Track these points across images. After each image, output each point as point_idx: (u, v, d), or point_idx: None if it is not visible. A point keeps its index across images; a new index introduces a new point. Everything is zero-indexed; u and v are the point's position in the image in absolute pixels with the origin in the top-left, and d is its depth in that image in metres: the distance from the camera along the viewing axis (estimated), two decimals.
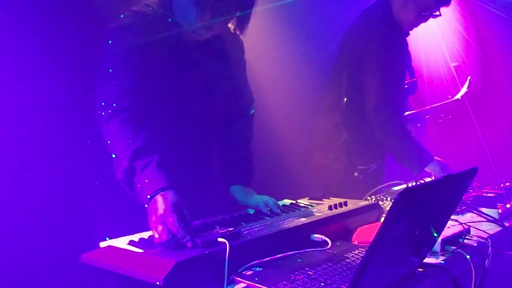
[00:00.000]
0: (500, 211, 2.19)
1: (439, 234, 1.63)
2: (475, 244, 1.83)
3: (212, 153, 2.33)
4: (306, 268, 1.51)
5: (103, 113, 1.86)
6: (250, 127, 2.40)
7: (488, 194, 2.36)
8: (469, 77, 3.68)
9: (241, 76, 2.33)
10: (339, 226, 1.92)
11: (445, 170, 2.78)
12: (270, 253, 1.57)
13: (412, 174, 2.86)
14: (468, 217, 2.18)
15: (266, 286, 1.39)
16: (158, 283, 1.33)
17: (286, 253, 1.60)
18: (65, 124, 2.26)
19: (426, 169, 2.83)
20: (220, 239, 1.52)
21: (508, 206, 2.29)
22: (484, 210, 2.20)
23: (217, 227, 1.67)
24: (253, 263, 1.52)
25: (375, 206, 2.13)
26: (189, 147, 2.14)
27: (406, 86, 3.11)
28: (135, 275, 1.40)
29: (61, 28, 2.24)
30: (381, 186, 2.57)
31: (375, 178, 3.00)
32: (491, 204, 2.25)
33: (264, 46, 3.29)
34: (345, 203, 2.07)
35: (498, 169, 3.30)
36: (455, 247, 1.75)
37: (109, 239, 1.68)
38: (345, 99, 2.97)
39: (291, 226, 1.76)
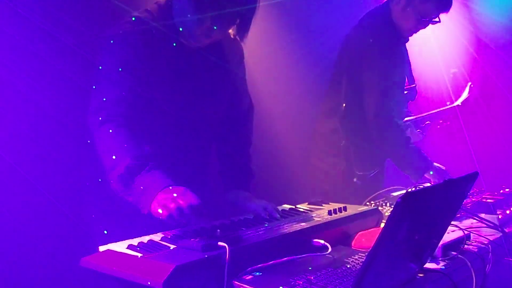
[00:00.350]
0: (500, 217, 2.19)
1: (439, 240, 1.62)
2: (476, 250, 1.82)
3: (211, 157, 2.33)
4: (306, 273, 1.50)
5: (100, 118, 1.86)
6: (249, 132, 2.40)
7: (488, 200, 2.35)
8: (469, 83, 3.68)
9: (240, 81, 2.33)
10: (339, 231, 1.92)
11: (444, 177, 2.78)
12: (269, 257, 1.56)
13: (412, 181, 2.86)
14: (467, 223, 2.18)
15: None
16: (157, 287, 1.33)
17: (286, 258, 1.60)
18: (64, 126, 2.26)
19: (425, 175, 2.83)
20: (220, 243, 1.51)
21: (508, 212, 2.29)
22: (483, 216, 2.20)
23: (217, 231, 1.66)
24: (252, 267, 1.51)
25: (375, 212, 2.13)
26: (188, 151, 2.14)
27: (405, 92, 3.11)
28: (135, 279, 1.39)
29: (61, 26, 2.25)
30: (380, 191, 2.56)
31: (374, 184, 2.99)
32: (491, 210, 2.25)
33: (263, 51, 3.29)
34: (345, 208, 2.07)
35: (498, 175, 3.30)
36: (456, 253, 1.75)
37: (108, 240, 1.68)
38: (344, 105, 2.97)
39: (291, 231, 1.75)
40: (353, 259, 1.67)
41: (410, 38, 3.04)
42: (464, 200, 2.15)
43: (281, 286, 1.40)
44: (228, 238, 1.57)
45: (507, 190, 2.59)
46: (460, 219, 2.20)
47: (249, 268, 1.50)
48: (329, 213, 2.00)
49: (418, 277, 1.56)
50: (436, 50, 4.62)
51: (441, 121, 3.66)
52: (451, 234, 1.87)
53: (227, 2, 1.90)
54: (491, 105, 4.65)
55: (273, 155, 3.43)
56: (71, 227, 2.26)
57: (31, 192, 2.21)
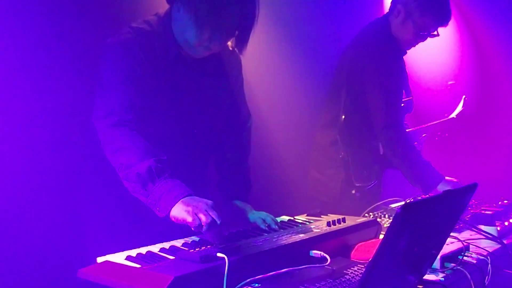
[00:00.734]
0: (498, 228, 2.19)
1: (438, 251, 1.62)
2: (475, 262, 1.82)
3: (209, 169, 2.33)
4: (305, 284, 1.50)
5: (111, 123, 1.84)
6: (247, 143, 2.39)
7: (486, 212, 2.35)
8: (463, 96, 3.70)
9: (238, 92, 2.34)
10: (338, 243, 1.91)
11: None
12: (268, 269, 1.55)
13: (423, 194, 2.82)
14: (466, 234, 2.17)
15: None
16: None
17: (285, 269, 1.59)
18: (63, 130, 2.26)
19: (437, 188, 2.81)
20: (219, 254, 1.51)
21: (506, 223, 2.29)
22: (482, 227, 2.20)
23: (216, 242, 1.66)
24: (251, 279, 1.51)
25: (374, 223, 2.12)
26: (186, 163, 2.14)
27: (402, 105, 3.12)
28: None
29: (62, 29, 2.26)
30: (379, 203, 2.56)
31: (373, 195, 2.99)
32: (489, 221, 2.25)
33: (261, 62, 3.31)
34: (343, 220, 2.06)
35: (497, 187, 3.30)
36: (455, 264, 1.75)
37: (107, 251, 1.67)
38: (343, 116, 2.98)
39: (290, 242, 1.75)
40: (352, 271, 1.66)
41: (408, 50, 3.05)
42: (464, 211, 2.15)
43: None
44: (227, 249, 1.56)
45: (505, 201, 2.59)
46: (459, 231, 2.20)
47: (248, 280, 1.50)
48: (328, 224, 2.00)
49: None
50: (433, 62, 4.65)
51: (439, 133, 3.67)
52: (450, 245, 1.86)
53: (226, 15, 1.91)
54: (489, 116, 4.67)
55: (271, 166, 3.43)
56: (69, 238, 2.25)
57: (28, 203, 2.21)
